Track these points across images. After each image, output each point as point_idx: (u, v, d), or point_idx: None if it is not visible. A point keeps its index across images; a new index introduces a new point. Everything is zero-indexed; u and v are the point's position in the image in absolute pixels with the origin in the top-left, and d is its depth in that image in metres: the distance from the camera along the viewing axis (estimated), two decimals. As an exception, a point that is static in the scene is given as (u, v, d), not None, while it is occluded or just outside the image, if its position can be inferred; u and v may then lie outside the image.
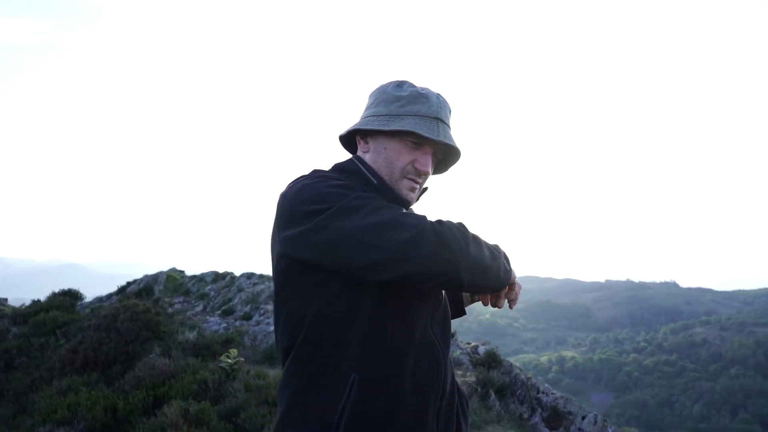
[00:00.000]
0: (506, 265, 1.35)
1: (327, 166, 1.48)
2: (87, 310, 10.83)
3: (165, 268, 14.36)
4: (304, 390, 1.25)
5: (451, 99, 1.49)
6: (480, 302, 1.54)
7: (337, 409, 1.19)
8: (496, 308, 1.45)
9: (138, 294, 11.28)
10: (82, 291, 11.79)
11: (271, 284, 10.58)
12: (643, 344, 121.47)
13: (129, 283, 12.69)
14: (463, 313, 1.72)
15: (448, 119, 1.44)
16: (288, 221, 1.25)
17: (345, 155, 1.53)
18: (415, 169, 1.40)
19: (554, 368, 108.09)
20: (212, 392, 5.63)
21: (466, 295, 1.69)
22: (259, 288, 10.19)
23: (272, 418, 4.59)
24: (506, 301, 1.43)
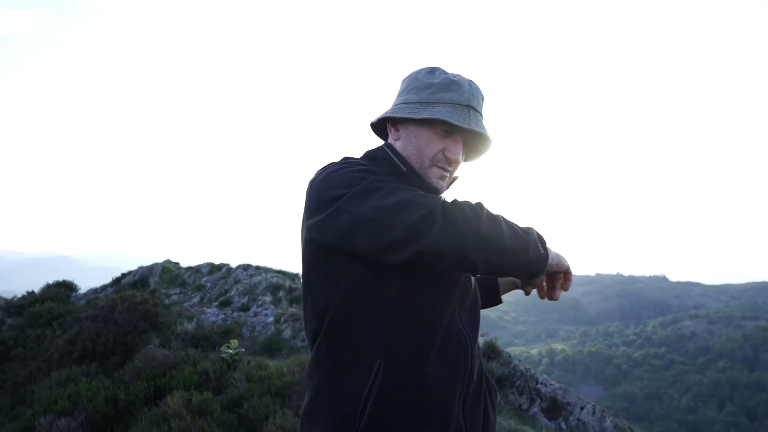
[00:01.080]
0: (540, 247, 1.23)
1: (357, 154, 1.47)
2: (82, 302, 10.77)
3: (156, 260, 14.28)
4: (329, 376, 1.25)
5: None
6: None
7: (361, 397, 1.20)
8: (553, 300, 1.42)
9: (133, 285, 11.23)
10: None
11: (268, 276, 10.64)
12: (632, 337, 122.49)
13: (124, 275, 12.62)
14: (499, 301, 1.71)
15: (481, 107, 1.41)
16: (314, 207, 1.26)
17: (365, 143, 1.52)
18: (446, 157, 1.39)
19: (544, 361, 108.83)
20: (213, 383, 5.63)
21: (505, 281, 1.69)
22: (256, 279, 10.18)
23: (276, 408, 4.60)
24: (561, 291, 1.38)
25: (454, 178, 1.49)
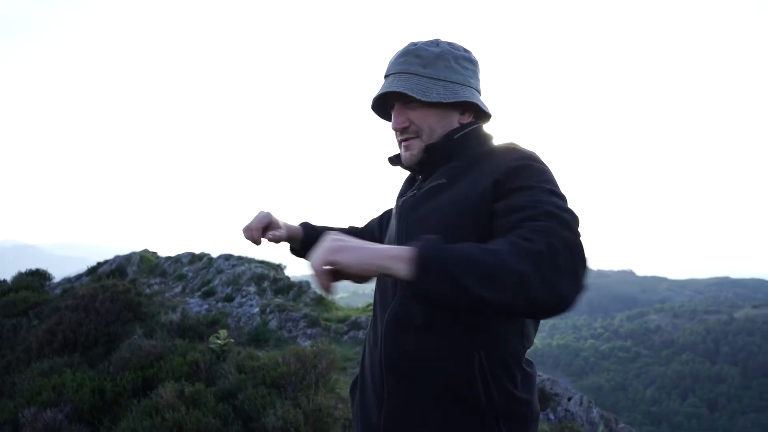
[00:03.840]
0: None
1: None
2: (57, 291, 10.48)
3: (123, 250, 13.97)
4: None
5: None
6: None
7: None
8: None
9: (110, 275, 10.96)
10: (39, 272, 11.40)
11: (252, 266, 10.50)
12: (600, 330, 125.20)
13: (100, 264, 12.31)
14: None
15: (397, 67, 1.37)
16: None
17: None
18: (394, 130, 1.42)
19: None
20: (204, 374, 5.53)
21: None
22: (239, 269, 10.03)
23: (272, 399, 4.54)
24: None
25: (433, 145, 1.38)
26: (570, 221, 1.07)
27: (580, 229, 1.08)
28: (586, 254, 1.04)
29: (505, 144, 1.34)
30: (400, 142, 1.42)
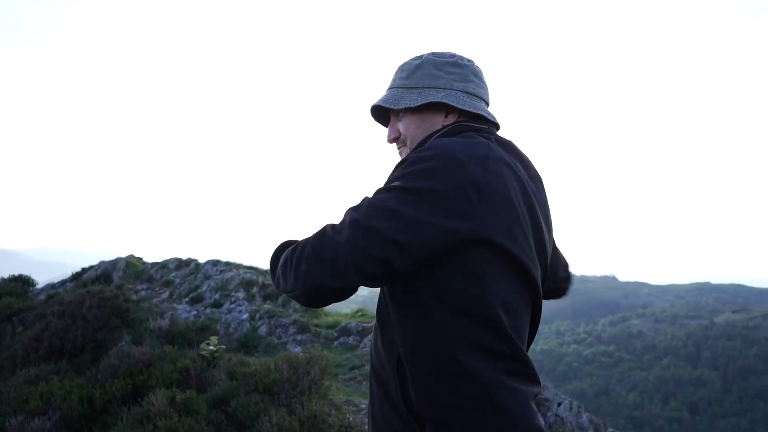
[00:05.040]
0: None
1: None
2: (41, 297, 10.32)
3: (105, 255, 13.79)
4: None
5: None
6: None
7: None
8: None
9: (96, 281, 10.83)
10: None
11: (240, 271, 10.44)
12: (583, 335, 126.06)
13: (84, 270, 12.15)
14: None
15: (393, 81, 1.46)
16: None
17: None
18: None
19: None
20: (195, 381, 5.49)
21: None
22: (227, 275, 9.97)
23: (266, 406, 4.51)
24: None
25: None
26: (343, 223, 1.17)
27: (347, 233, 1.14)
28: (317, 253, 1.15)
29: None
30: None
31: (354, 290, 1.19)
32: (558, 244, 1.70)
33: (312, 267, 1.14)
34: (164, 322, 7.25)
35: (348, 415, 4.59)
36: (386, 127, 1.52)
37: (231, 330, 7.96)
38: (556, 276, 1.69)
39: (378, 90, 1.55)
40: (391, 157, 1.66)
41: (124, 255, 13.11)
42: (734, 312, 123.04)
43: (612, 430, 6.71)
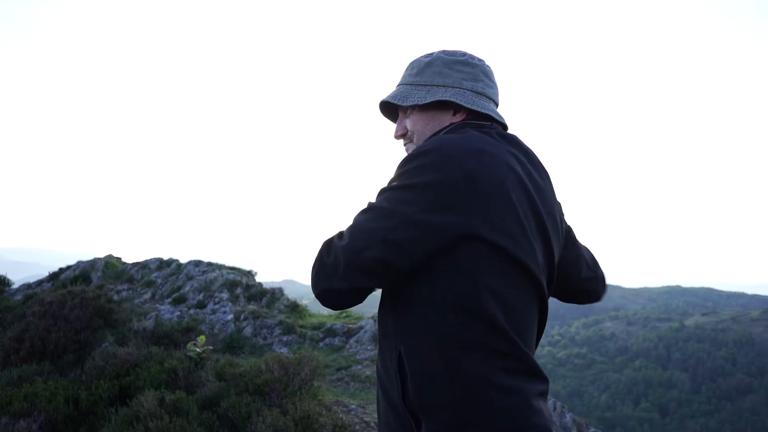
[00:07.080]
0: None
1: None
2: (18, 297, 10.10)
3: (80, 255, 13.53)
4: None
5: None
6: None
7: None
8: None
9: (74, 281, 10.63)
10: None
11: (224, 272, 10.35)
12: (557, 338, 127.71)
13: (62, 269, 11.91)
14: None
15: (402, 78, 1.49)
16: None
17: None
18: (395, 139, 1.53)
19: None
20: (183, 381, 5.45)
21: None
22: (210, 276, 9.87)
23: (257, 407, 4.51)
24: None
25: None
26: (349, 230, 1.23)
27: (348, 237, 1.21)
28: (321, 259, 1.25)
29: None
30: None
31: (365, 290, 1.22)
32: (583, 242, 1.68)
33: (317, 272, 1.24)
34: (149, 323, 7.17)
35: (341, 415, 4.62)
36: (394, 122, 1.56)
37: (216, 331, 7.90)
38: (577, 276, 1.59)
39: (379, 89, 1.47)
40: (391, 157, 1.63)
41: (101, 255, 12.91)
42: (704, 315, 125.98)
43: (594, 430, 6.85)
